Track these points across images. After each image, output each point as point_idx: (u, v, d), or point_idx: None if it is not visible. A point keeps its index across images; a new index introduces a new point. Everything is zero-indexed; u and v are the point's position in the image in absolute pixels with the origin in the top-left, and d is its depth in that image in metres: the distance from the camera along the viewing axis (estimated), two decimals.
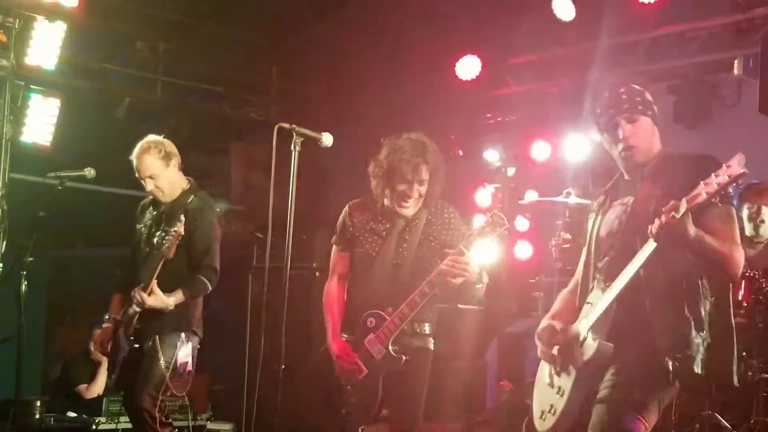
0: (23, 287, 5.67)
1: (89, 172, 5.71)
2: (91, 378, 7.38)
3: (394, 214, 4.56)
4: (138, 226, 5.52)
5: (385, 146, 4.52)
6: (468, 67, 8.85)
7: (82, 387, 7.42)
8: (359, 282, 4.56)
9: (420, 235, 4.50)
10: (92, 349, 5.63)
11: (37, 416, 7.02)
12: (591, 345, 3.45)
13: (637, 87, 3.64)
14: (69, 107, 7.34)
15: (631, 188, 3.65)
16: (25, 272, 5.66)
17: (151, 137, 5.44)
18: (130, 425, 5.54)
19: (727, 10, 7.80)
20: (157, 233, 5.26)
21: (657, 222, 3.23)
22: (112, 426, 6.49)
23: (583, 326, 3.53)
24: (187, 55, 9.09)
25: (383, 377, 4.41)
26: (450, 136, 9.43)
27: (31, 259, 5.68)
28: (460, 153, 9.32)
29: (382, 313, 4.40)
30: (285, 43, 9.39)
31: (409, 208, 4.53)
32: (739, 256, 3.41)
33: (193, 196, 5.41)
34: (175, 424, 6.61)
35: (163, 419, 5.27)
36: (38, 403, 7.13)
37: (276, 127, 4.02)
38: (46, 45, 6.95)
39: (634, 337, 3.44)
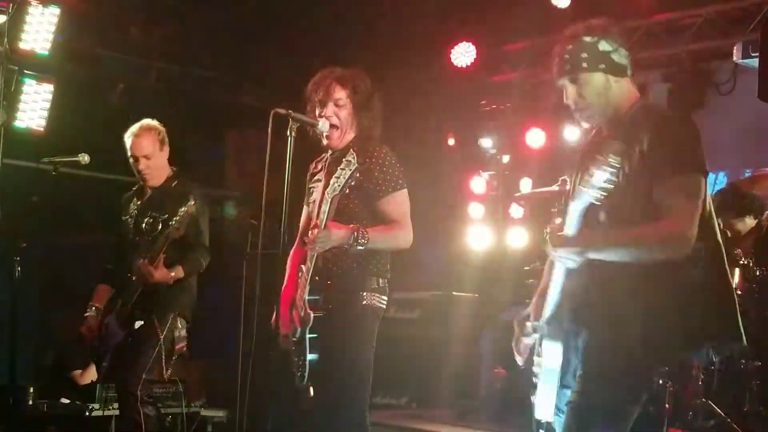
0: (17, 273, 5.65)
1: (83, 157, 5.70)
2: (85, 364, 7.37)
3: (324, 152, 4.36)
4: (123, 218, 5.59)
5: None
6: (463, 54, 8.85)
7: (77, 373, 7.41)
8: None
9: (347, 179, 4.05)
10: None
11: (31, 403, 7.01)
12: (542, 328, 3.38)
13: (587, 39, 3.29)
14: (63, 92, 7.31)
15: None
16: (18, 258, 5.64)
17: (148, 120, 5.55)
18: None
19: None
20: (145, 220, 5.38)
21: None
22: (105, 412, 6.47)
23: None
24: (181, 41, 9.05)
25: (309, 335, 4.12)
26: (444, 123, 9.44)
27: (24, 245, 5.67)
28: (450, 142, 9.34)
29: (303, 267, 4.17)
30: (280, 28, 9.36)
31: (333, 139, 4.25)
32: (688, 231, 3.04)
33: (176, 182, 5.52)
34: (169, 411, 6.63)
35: (145, 398, 5.34)
36: (31, 390, 7.12)
37: (272, 112, 4.00)
38: (39, 30, 6.91)
39: (605, 327, 3.16)
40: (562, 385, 3.31)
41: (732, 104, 7.95)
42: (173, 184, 5.50)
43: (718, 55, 7.93)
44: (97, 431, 6.47)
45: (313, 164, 4.53)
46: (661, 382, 5.86)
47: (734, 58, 7.49)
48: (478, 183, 9.15)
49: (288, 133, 4.01)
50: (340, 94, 4.24)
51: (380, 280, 4.25)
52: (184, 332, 5.44)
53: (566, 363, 3.28)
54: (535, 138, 8.70)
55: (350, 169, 4.01)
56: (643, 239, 3.12)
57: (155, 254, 5.20)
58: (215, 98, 9.40)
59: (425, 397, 8.19)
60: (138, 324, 5.32)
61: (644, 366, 3.17)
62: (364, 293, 4.19)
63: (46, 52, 7.02)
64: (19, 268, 5.65)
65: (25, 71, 7.02)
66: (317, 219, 4.12)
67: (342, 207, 4.13)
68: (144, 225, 5.38)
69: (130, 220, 5.53)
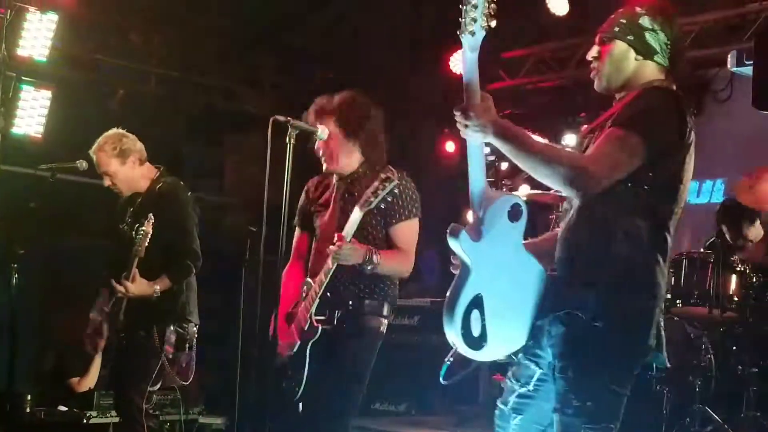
0: (14, 280, 5.65)
1: (81, 164, 5.69)
2: (83, 371, 7.36)
3: (333, 176, 4.36)
4: (120, 226, 5.48)
5: None
6: (461, 61, 8.85)
7: (74, 380, 7.39)
8: (313, 257, 4.34)
9: (386, 193, 4.01)
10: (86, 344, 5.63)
11: (28, 410, 6.99)
12: None
13: (636, 9, 3.17)
14: (61, 99, 7.31)
15: None
16: (16, 264, 5.64)
17: (111, 132, 5.38)
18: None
19: (719, 5, 7.82)
20: (136, 226, 5.24)
21: None
22: (103, 420, 6.45)
23: None
24: (181, 47, 9.06)
25: (310, 348, 4.15)
26: (443, 130, 9.46)
27: (22, 251, 5.67)
28: (449, 149, 9.35)
29: (311, 281, 4.21)
30: (279, 35, 9.37)
31: (331, 164, 4.29)
32: (599, 173, 2.92)
33: (161, 183, 5.37)
34: (168, 418, 6.61)
35: (150, 411, 5.28)
36: (29, 397, 7.10)
37: (271, 120, 4.00)
38: (38, 36, 6.91)
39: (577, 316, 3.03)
40: (528, 357, 3.22)
41: (729, 111, 7.98)
42: (158, 187, 5.35)
43: (715, 62, 7.94)
44: None
45: (312, 186, 4.52)
46: (658, 387, 5.87)
47: (728, 66, 7.52)
48: None
49: (287, 140, 4.01)
50: (327, 125, 4.26)
51: (390, 308, 4.29)
52: (182, 339, 5.31)
53: (536, 340, 3.18)
54: None
55: (390, 185, 3.99)
56: (555, 158, 3.02)
57: (129, 269, 5.11)
58: (214, 105, 9.40)
59: (424, 403, 8.19)
60: (139, 334, 5.22)
61: (618, 352, 2.99)
62: (376, 317, 4.25)
63: (44, 59, 7.02)
64: (16, 275, 5.65)
65: (24, 78, 7.02)
66: (342, 232, 4.06)
67: (360, 230, 4.12)
68: (136, 233, 5.23)
69: (126, 228, 5.42)
